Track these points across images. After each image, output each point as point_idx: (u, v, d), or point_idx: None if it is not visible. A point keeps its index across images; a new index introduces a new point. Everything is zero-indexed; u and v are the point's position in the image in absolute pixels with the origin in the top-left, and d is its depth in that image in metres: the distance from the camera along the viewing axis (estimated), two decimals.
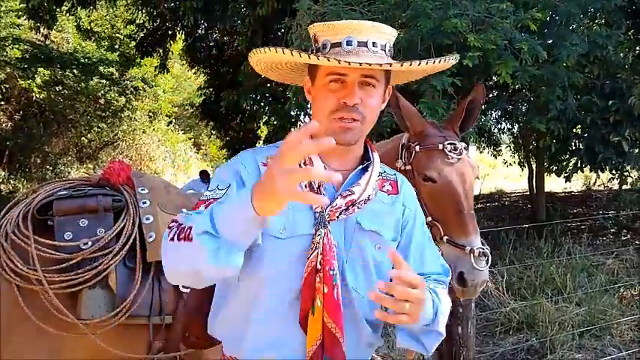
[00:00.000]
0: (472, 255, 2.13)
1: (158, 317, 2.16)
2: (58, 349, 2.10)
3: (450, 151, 2.28)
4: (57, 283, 2.05)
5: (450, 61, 1.64)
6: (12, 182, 12.79)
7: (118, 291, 2.11)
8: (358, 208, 1.57)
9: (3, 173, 13.10)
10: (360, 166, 1.64)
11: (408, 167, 2.32)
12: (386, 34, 1.56)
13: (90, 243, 2.12)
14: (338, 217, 1.54)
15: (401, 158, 2.35)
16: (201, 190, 2.80)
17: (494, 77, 7.57)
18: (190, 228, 1.35)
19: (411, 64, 1.54)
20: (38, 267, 2.04)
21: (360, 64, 1.44)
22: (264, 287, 1.53)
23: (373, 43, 1.52)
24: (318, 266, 1.48)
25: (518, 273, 6.93)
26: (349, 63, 1.44)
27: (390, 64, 1.53)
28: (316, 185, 1.53)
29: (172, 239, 1.40)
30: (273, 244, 1.51)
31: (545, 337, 5.18)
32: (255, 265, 1.53)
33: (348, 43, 1.51)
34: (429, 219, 2.21)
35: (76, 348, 2.12)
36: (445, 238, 2.20)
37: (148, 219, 2.23)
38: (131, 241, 2.17)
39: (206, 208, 1.45)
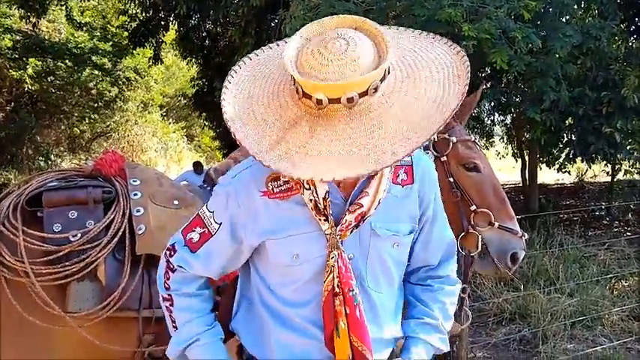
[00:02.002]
0: (522, 238, 2.37)
1: (148, 310, 2.13)
2: (47, 342, 2.08)
3: (479, 144, 2.49)
4: (44, 275, 2.03)
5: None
6: (4, 174, 12.71)
7: (106, 283, 2.08)
8: (370, 216, 1.48)
9: None
10: None
11: (444, 158, 2.39)
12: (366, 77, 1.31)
13: (79, 235, 2.09)
14: (350, 233, 1.47)
15: (430, 150, 2.39)
16: (194, 181, 2.77)
17: (487, 69, 7.58)
18: (175, 326, 1.59)
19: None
20: (25, 259, 2.01)
21: None
22: (284, 305, 1.53)
23: (348, 99, 1.30)
24: (337, 290, 1.44)
25: None
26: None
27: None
28: (322, 205, 1.44)
29: (165, 301, 1.60)
30: (287, 270, 1.50)
31: (537, 327, 5.21)
32: (271, 284, 1.54)
33: (319, 102, 1.31)
34: (474, 207, 2.35)
35: (66, 341, 2.11)
36: (497, 224, 2.35)
37: (138, 211, 2.20)
38: (120, 233, 2.14)
39: (200, 239, 1.54)
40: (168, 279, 1.58)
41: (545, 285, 6.06)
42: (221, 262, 1.56)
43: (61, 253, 2.06)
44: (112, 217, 2.16)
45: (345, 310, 1.43)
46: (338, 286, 1.43)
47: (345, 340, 1.43)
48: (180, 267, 1.55)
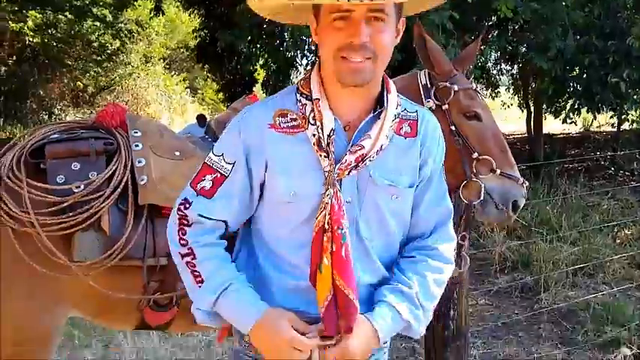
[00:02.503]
0: (524, 185, 2.38)
1: (152, 259, 2.18)
2: (55, 290, 2.13)
3: (480, 92, 2.48)
4: (49, 225, 2.06)
5: None
6: (8, 128, 12.73)
7: (110, 233, 2.12)
8: (370, 161, 1.50)
9: (1, 120, 13.03)
10: (372, 114, 1.53)
11: (445, 107, 2.38)
12: None
13: (82, 186, 2.12)
14: (349, 173, 1.49)
15: (432, 98, 2.39)
16: (198, 134, 2.79)
17: (492, 17, 7.46)
18: (200, 279, 1.52)
19: None
20: (31, 210, 2.04)
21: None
22: (279, 245, 1.55)
23: None
24: (326, 226, 1.45)
25: None
26: None
27: None
28: (325, 142, 1.47)
29: (183, 259, 1.54)
30: (284, 207, 1.52)
31: (539, 275, 5.27)
32: (270, 225, 1.56)
33: None
34: (475, 155, 2.35)
35: (73, 289, 2.16)
36: (498, 171, 2.36)
37: (140, 162, 2.22)
38: (123, 184, 2.16)
39: (214, 184, 1.53)
40: (184, 234, 1.54)
41: (548, 234, 6.11)
42: (240, 203, 1.55)
43: (65, 204, 2.09)
44: (114, 168, 2.18)
45: (332, 248, 1.45)
46: (328, 222, 1.45)
47: (327, 277, 1.44)
48: (200, 216, 1.53)
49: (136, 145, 2.26)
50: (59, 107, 14.92)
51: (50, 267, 2.07)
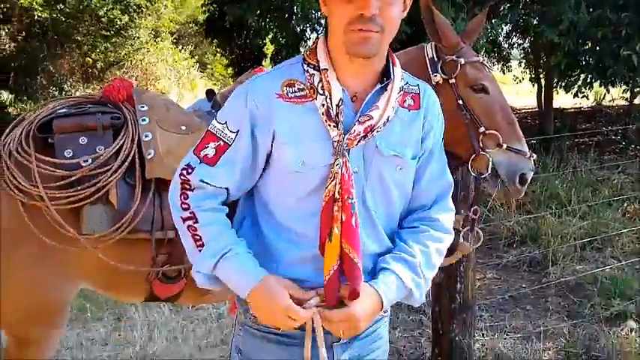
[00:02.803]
0: (531, 159, 2.38)
1: (160, 232, 2.20)
2: (64, 262, 2.16)
3: (487, 65, 2.46)
4: (58, 199, 2.09)
5: None
6: (19, 104, 12.78)
7: (118, 207, 2.14)
8: (377, 132, 1.52)
9: (10, 96, 13.07)
10: (379, 85, 1.56)
11: (452, 80, 2.38)
12: None
13: (90, 160, 2.14)
14: (357, 144, 1.51)
15: (438, 72, 2.39)
16: (207, 109, 2.79)
17: None
18: (201, 243, 1.53)
19: None
20: (39, 184, 2.07)
21: None
22: (286, 215, 1.56)
23: None
24: (337, 195, 1.47)
25: None
26: None
27: None
28: (334, 112, 1.48)
29: (184, 223, 1.54)
30: (293, 177, 1.53)
31: (547, 249, 5.28)
32: (276, 194, 1.57)
33: None
34: (482, 129, 2.35)
35: (83, 262, 2.19)
36: (505, 145, 2.35)
37: (147, 136, 2.24)
38: (130, 158, 2.18)
39: (216, 152, 1.54)
40: (186, 198, 1.55)
41: (557, 208, 6.10)
42: (243, 172, 1.56)
43: (73, 178, 2.12)
44: (121, 142, 2.20)
45: (342, 217, 1.46)
46: (339, 192, 1.47)
47: (336, 245, 1.46)
48: (202, 182, 1.54)
49: (143, 120, 2.28)
50: (69, 83, 14.93)
51: (59, 240, 2.10)
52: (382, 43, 1.49)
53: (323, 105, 1.49)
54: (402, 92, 1.59)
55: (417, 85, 1.66)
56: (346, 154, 1.49)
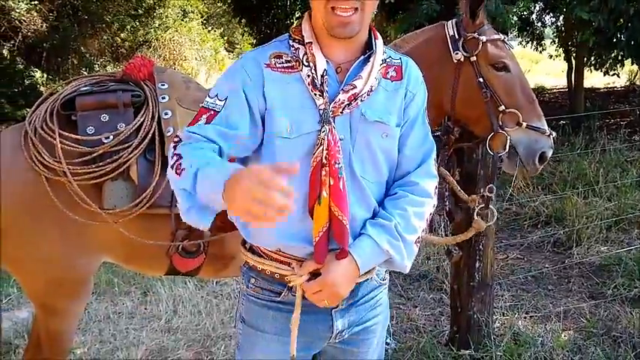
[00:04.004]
0: (550, 137, 2.41)
1: None
2: (87, 235, 2.24)
3: (508, 43, 2.48)
4: (80, 175, 2.16)
5: None
6: (51, 84, 12.97)
7: (139, 182, 2.21)
8: (362, 100, 1.58)
9: (44, 75, 13.26)
10: (362, 57, 1.62)
11: (474, 58, 2.40)
12: None
13: (111, 137, 2.20)
14: (342, 112, 1.57)
15: (460, 49, 2.41)
16: None
17: None
18: (182, 170, 1.43)
19: None
20: (62, 159, 2.14)
21: None
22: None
23: None
24: (324, 161, 1.53)
25: (551, 168, 6.90)
26: None
27: None
28: (319, 82, 1.55)
29: (172, 167, 1.49)
30: (282, 143, 1.58)
31: (572, 230, 5.23)
32: (267, 162, 1.60)
33: None
34: (503, 107, 2.37)
35: (105, 235, 2.26)
36: (525, 123, 2.38)
37: (166, 114, 2.29)
38: (150, 135, 2.24)
39: (207, 120, 1.56)
40: (175, 149, 1.52)
41: (584, 189, 6.03)
42: (236, 128, 1.54)
43: (95, 154, 2.19)
44: (141, 119, 2.26)
45: (330, 181, 1.52)
46: (326, 157, 1.52)
47: (324, 208, 1.52)
48: (190, 132, 1.53)
49: (163, 98, 2.33)
50: (99, 63, 15.09)
51: (82, 214, 2.18)
52: (363, 20, 1.56)
53: (308, 76, 1.56)
54: (384, 64, 1.66)
55: (399, 58, 1.73)
56: (332, 121, 1.55)
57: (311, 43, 1.59)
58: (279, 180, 1.18)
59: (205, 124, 1.56)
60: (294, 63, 1.59)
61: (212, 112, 1.58)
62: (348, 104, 1.56)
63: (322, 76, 1.56)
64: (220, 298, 4.26)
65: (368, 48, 1.64)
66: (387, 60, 1.68)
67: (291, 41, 1.63)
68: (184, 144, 1.52)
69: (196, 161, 1.42)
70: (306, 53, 1.58)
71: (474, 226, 2.64)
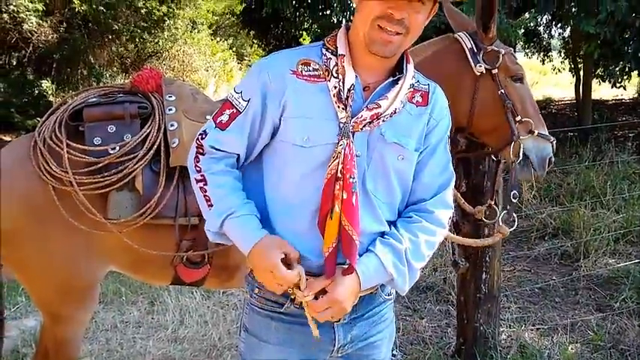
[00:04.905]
0: (553, 143, 2.50)
1: (184, 218, 2.27)
2: (93, 244, 2.26)
3: (514, 56, 2.53)
4: (86, 184, 2.18)
5: None
6: (61, 94, 13.07)
7: (143, 193, 2.22)
8: (383, 120, 1.58)
9: (54, 86, 13.36)
10: (391, 79, 1.62)
11: (495, 71, 2.44)
12: None
13: (117, 148, 2.22)
14: (362, 128, 1.56)
15: (481, 62, 2.44)
16: None
17: None
18: (209, 201, 1.62)
19: None
20: (69, 169, 2.16)
21: None
22: (290, 188, 1.62)
23: None
24: (339, 174, 1.53)
25: (558, 180, 6.88)
26: None
27: None
28: (345, 95, 1.55)
29: (197, 184, 1.65)
30: (297, 151, 1.58)
31: (579, 242, 5.21)
32: (281, 168, 1.63)
33: None
34: (519, 117, 2.43)
35: (110, 245, 2.28)
36: (536, 132, 2.45)
37: (172, 125, 2.30)
38: (156, 146, 2.26)
39: (230, 118, 1.62)
40: (198, 161, 1.65)
41: (592, 201, 6.01)
42: (251, 137, 1.63)
43: (100, 165, 2.21)
44: (147, 131, 2.28)
45: (343, 195, 1.52)
46: (341, 171, 1.52)
47: (335, 222, 1.53)
48: (212, 147, 1.63)
49: (170, 109, 2.35)
50: (108, 74, 15.19)
51: (87, 223, 2.19)
52: (403, 45, 1.57)
53: (335, 87, 1.56)
54: (412, 88, 1.65)
55: (428, 84, 1.72)
56: (351, 136, 1.55)
57: (344, 55, 1.59)
58: (290, 278, 1.51)
59: (227, 121, 1.63)
60: (322, 72, 1.59)
61: (235, 111, 1.63)
62: (370, 122, 1.56)
63: (349, 90, 1.55)
64: (227, 309, 4.27)
65: (398, 71, 1.64)
66: (415, 84, 1.68)
67: (324, 49, 1.63)
68: (207, 161, 1.64)
69: (222, 202, 1.61)
70: (337, 64, 1.58)
71: (500, 231, 2.68)
